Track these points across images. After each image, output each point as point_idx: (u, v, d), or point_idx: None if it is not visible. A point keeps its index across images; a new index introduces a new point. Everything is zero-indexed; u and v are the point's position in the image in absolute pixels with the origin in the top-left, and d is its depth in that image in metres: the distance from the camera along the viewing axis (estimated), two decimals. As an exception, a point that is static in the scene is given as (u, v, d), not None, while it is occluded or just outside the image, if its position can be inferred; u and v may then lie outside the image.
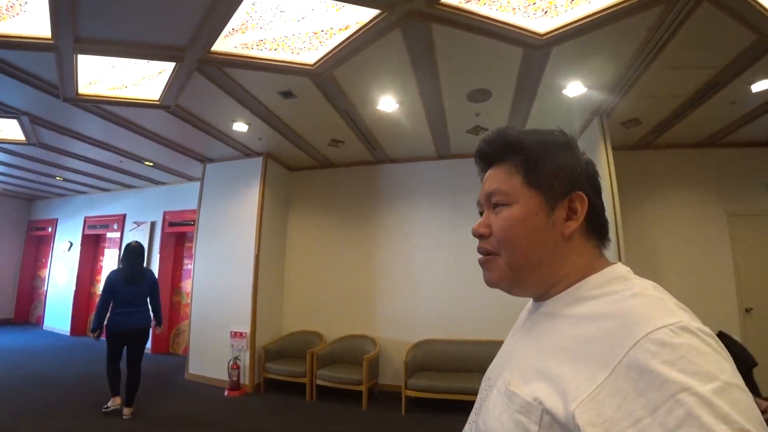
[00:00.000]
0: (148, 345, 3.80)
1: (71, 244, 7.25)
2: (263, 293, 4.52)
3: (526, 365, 0.51)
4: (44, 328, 7.26)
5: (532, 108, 3.36)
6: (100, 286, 6.88)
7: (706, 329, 0.40)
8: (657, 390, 0.36)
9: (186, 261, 6.19)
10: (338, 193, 5.05)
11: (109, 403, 3.35)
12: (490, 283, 0.58)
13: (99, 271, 7.15)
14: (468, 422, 0.61)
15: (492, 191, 0.57)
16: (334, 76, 2.86)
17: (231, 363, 4.22)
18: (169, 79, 2.89)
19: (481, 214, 0.60)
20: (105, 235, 7.17)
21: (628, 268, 0.52)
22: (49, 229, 7.69)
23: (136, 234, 6.37)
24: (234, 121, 3.72)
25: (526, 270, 0.54)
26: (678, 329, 0.39)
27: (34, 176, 6.09)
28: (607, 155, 3.31)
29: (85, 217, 7.13)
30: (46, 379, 4.37)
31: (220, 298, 4.57)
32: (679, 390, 0.35)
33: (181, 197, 6.13)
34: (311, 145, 4.41)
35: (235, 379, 4.18)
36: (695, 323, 0.40)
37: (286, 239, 5.13)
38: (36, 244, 8.23)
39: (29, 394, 3.85)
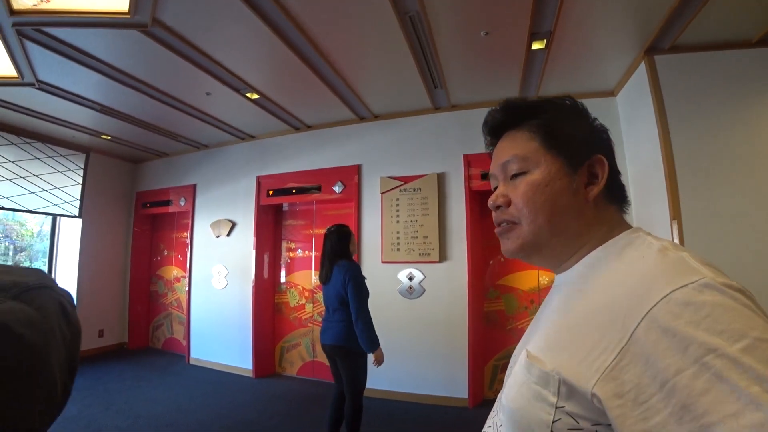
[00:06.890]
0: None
1: (233, 225, 4.39)
2: None
3: (544, 337, 0.49)
4: (192, 362, 4.46)
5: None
6: (295, 292, 4.17)
7: (734, 284, 0.36)
8: (682, 353, 0.33)
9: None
10: None
11: None
12: (509, 252, 0.55)
13: (289, 269, 4.34)
14: (497, 400, 0.56)
15: (508, 159, 0.54)
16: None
17: None
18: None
19: (494, 190, 0.57)
20: (290, 207, 4.35)
21: (648, 231, 0.49)
22: (181, 202, 4.75)
23: (402, 197, 3.58)
24: None
25: (548, 237, 0.51)
26: (700, 286, 0.36)
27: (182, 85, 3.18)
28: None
29: (259, 177, 4.26)
30: None
31: None
32: (706, 352, 0.32)
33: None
34: None
35: None
36: (721, 278, 0.37)
37: None
38: (150, 228, 5.27)
39: None
